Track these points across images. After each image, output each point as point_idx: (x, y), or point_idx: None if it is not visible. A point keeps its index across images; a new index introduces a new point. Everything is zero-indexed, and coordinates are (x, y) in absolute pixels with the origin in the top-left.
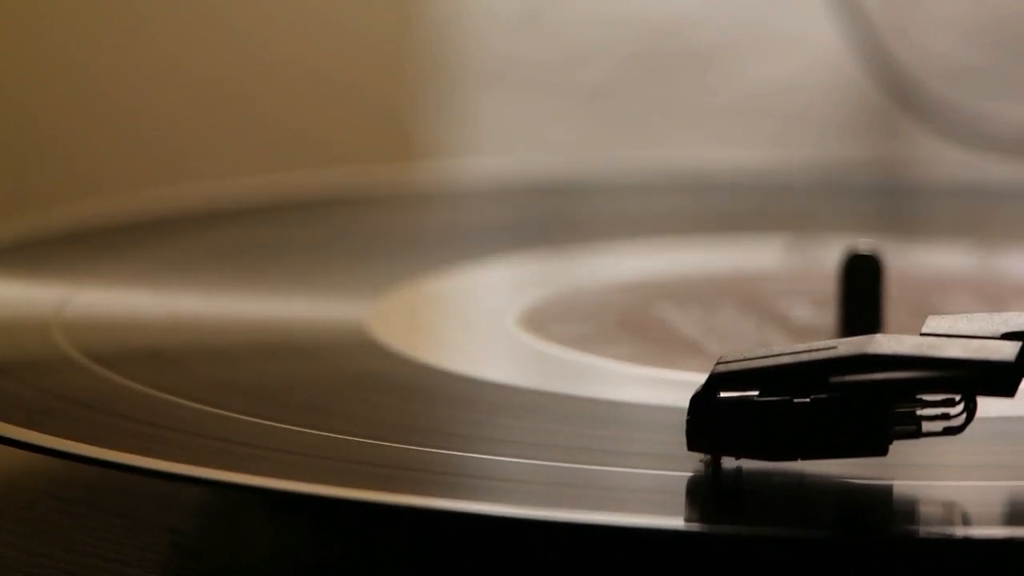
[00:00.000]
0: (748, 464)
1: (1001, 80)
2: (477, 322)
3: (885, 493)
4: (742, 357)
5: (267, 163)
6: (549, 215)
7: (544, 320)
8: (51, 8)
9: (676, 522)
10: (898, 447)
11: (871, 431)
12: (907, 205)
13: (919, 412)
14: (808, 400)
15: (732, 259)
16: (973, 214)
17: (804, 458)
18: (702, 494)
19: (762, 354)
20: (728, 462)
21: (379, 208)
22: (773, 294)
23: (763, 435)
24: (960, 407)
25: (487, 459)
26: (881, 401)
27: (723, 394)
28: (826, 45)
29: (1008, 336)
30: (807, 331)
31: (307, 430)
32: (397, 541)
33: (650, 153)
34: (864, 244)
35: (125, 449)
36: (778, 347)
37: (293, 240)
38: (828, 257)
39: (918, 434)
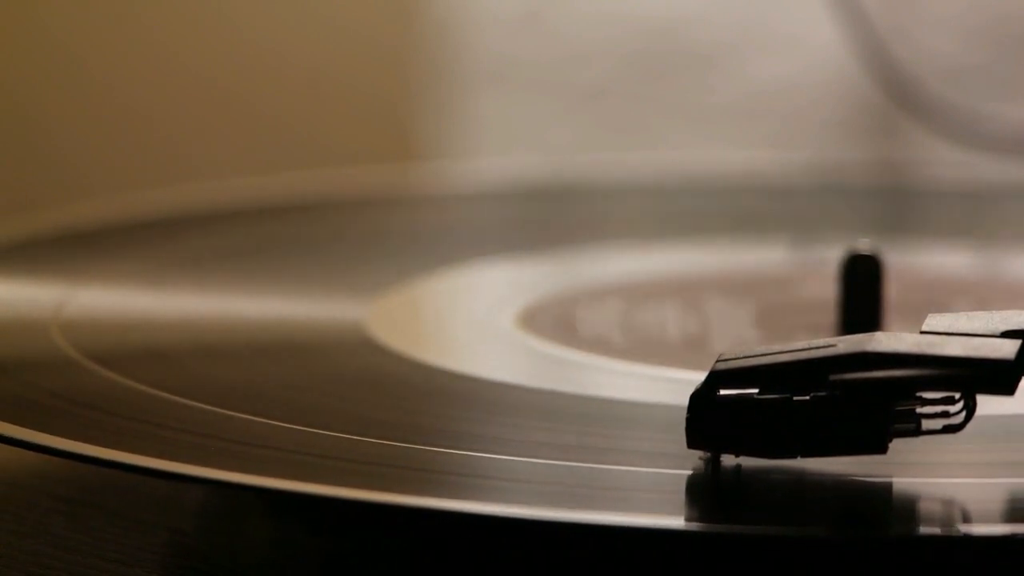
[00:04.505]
0: (747, 462)
1: (1001, 80)
2: (477, 322)
3: (885, 491)
4: (742, 355)
5: (267, 163)
6: (548, 215)
7: (543, 320)
8: (51, 8)
9: (675, 521)
10: (898, 445)
11: (871, 429)
12: (907, 205)
13: (919, 410)
14: (808, 398)
15: (732, 259)
16: (973, 214)
17: (804, 456)
18: (701, 492)
19: (762, 352)
20: (728, 460)
21: (379, 208)
22: (773, 293)
23: (763, 433)
24: (960, 405)
25: (487, 458)
26: (881, 399)
27: (723, 392)
28: (826, 45)
29: (1008, 334)
30: (807, 330)
31: (307, 430)
32: (397, 541)
33: (650, 153)
34: (864, 244)
35: (125, 449)
36: (778, 345)
37: (293, 240)
38: (828, 257)
39: (918, 432)
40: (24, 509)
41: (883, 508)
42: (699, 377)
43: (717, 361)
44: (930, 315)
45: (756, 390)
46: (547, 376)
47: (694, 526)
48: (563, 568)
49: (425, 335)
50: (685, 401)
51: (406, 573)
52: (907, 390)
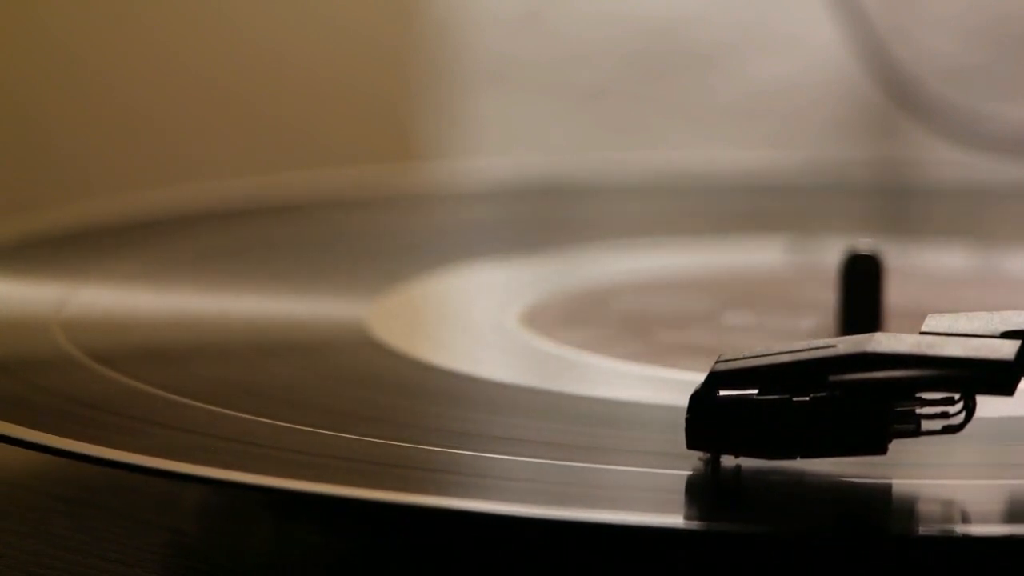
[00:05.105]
0: (747, 462)
1: (1001, 80)
2: (477, 322)
3: (884, 492)
4: (741, 356)
5: (267, 163)
6: (548, 215)
7: (543, 320)
8: (51, 8)
9: (675, 520)
10: (897, 446)
11: (870, 430)
12: (907, 205)
13: (918, 411)
14: (807, 399)
15: (732, 259)
16: (973, 214)
17: (803, 456)
18: (701, 492)
19: (761, 352)
20: (727, 460)
21: (379, 208)
22: (773, 294)
23: (762, 433)
24: (959, 406)
25: (487, 458)
26: (880, 400)
27: (722, 392)
28: (826, 45)
29: (1007, 335)
30: (807, 331)
31: (307, 429)
32: (397, 540)
33: (650, 153)
34: (864, 244)
35: (125, 449)
36: (777, 346)
37: (293, 240)
38: (828, 257)
39: (917, 433)
40: (24, 509)
41: (882, 509)
42: (699, 378)
43: (717, 362)
44: (930, 316)
45: (756, 391)
46: (547, 376)
47: (694, 526)
48: (563, 568)
49: (425, 335)
50: (685, 402)
51: (407, 572)
52: (907, 391)
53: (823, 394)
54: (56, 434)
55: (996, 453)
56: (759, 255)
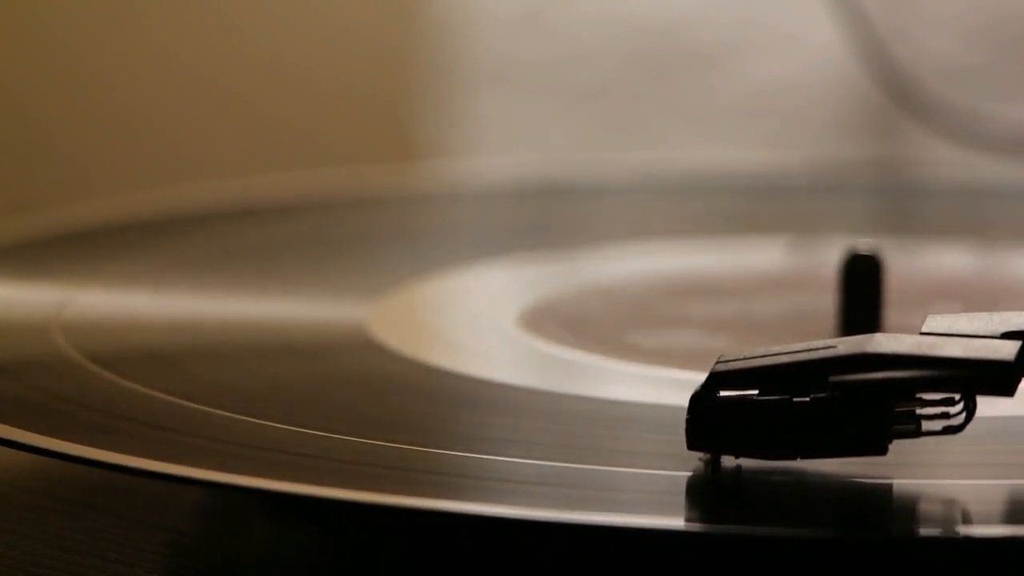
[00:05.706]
0: (747, 463)
1: (1001, 80)
2: (477, 322)
3: (885, 492)
4: (741, 356)
5: (267, 163)
6: (549, 215)
7: (544, 320)
8: (51, 8)
9: (675, 522)
10: (898, 446)
11: (870, 430)
12: (907, 205)
13: (919, 411)
14: (807, 399)
15: (732, 259)
16: (973, 214)
17: (803, 457)
18: (701, 493)
19: (761, 353)
20: (727, 461)
21: (379, 208)
22: (773, 293)
23: (762, 434)
24: (960, 406)
25: (487, 459)
26: (881, 400)
27: (722, 393)
28: (826, 45)
29: (1007, 335)
30: (807, 331)
31: (307, 430)
32: (396, 541)
33: (650, 153)
34: (864, 244)
35: (125, 450)
36: (777, 346)
37: (293, 240)
38: (828, 257)
39: (918, 433)
40: (23, 510)
41: (883, 509)
42: (699, 378)
43: (717, 362)
44: (930, 316)
45: (756, 391)
46: (547, 377)
47: (694, 527)
48: (563, 569)
49: (426, 335)
50: (685, 402)
51: (406, 574)
52: (907, 391)
53: (823, 395)
54: (56, 435)
55: (996, 453)
56: (759, 255)
